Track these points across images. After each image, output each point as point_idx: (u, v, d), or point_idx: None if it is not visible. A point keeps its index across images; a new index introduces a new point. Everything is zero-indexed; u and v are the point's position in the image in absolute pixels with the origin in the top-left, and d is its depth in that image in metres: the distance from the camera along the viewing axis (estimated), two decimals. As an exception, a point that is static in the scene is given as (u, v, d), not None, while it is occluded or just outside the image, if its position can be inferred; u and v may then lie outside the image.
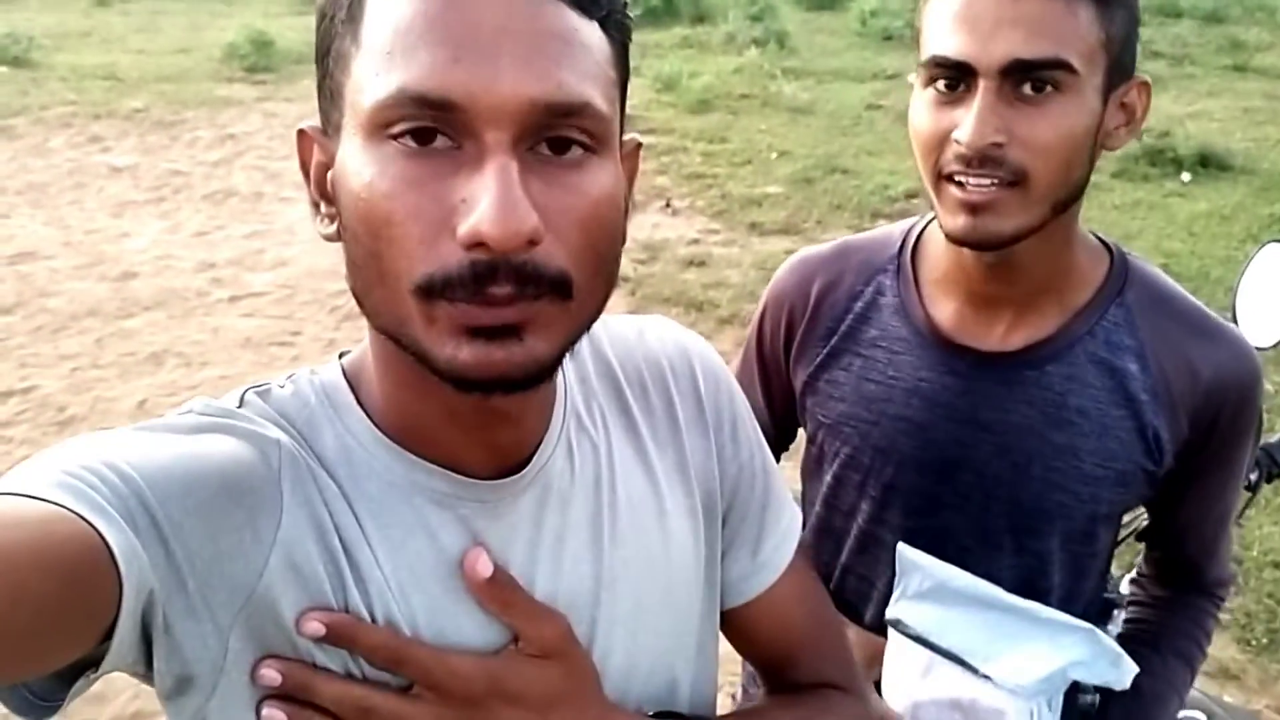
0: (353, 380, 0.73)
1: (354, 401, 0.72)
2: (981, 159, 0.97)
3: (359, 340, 0.75)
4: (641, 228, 5.72)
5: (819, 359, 1.20)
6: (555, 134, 0.60)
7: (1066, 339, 1.10)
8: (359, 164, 0.61)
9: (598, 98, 0.61)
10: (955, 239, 1.03)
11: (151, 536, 0.59)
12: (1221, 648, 2.84)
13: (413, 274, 0.59)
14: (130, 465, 0.60)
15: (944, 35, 0.98)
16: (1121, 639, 1.22)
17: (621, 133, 0.69)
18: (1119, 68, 1.00)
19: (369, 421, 0.71)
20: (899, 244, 1.19)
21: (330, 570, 0.67)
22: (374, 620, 0.68)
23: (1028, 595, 1.13)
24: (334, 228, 0.66)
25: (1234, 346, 1.09)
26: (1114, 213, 5.99)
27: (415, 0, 0.59)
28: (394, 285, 0.61)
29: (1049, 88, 0.96)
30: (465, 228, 0.58)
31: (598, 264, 0.64)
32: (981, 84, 0.96)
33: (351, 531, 0.68)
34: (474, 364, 0.60)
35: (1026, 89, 0.96)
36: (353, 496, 0.69)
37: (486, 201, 0.57)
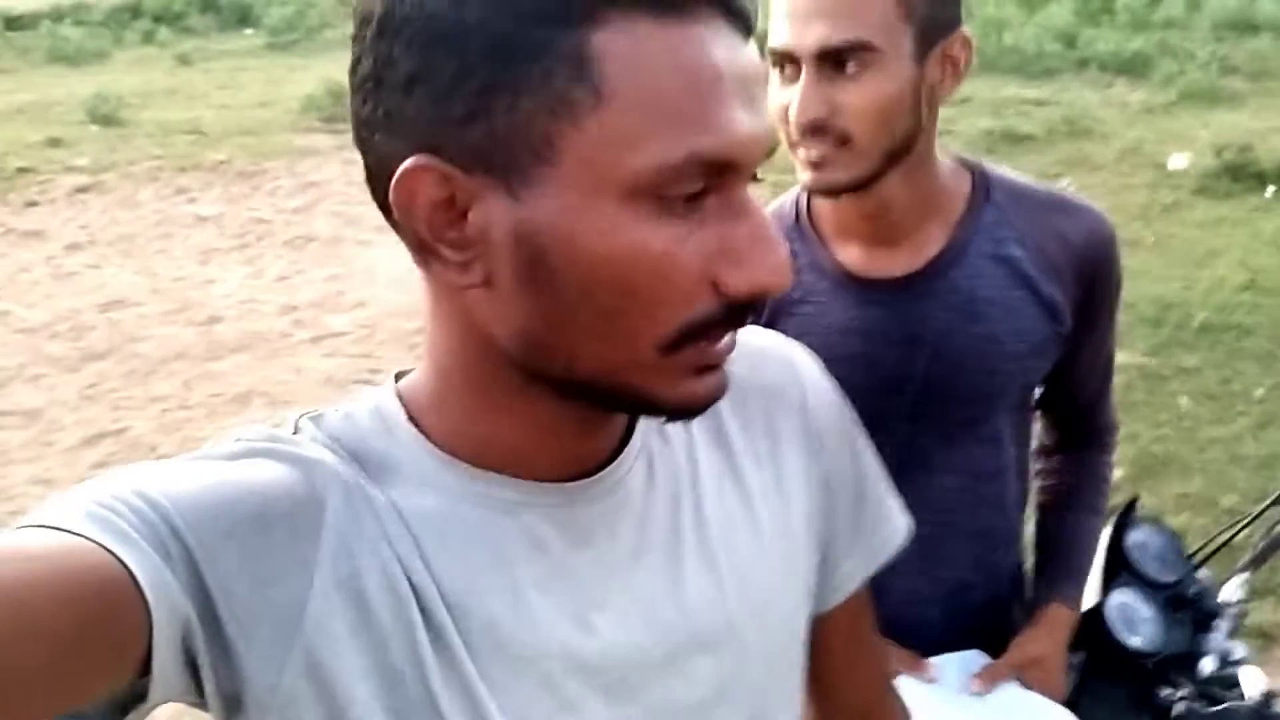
0: (408, 401, 0.70)
1: (407, 420, 0.69)
2: (810, 129, 1.14)
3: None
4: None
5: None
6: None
7: (958, 246, 1.25)
8: (611, 224, 0.57)
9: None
10: (808, 190, 1.23)
11: (183, 563, 0.58)
12: (1261, 613, 2.79)
13: (668, 327, 0.59)
14: (161, 493, 0.59)
15: (775, 29, 1.15)
16: (1039, 507, 1.46)
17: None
18: (931, 29, 1.15)
19: (423, 438, 0.69)
20: (793, 213, 1.34)
21: (384, 587, 0.64)
22: (429, 631, 0.65)
23: (993, 475, 1.34)
24: (475, 276, 0.61)
25: (1092, 214, 1.28)
26: (1196, 230, 5.87)
27: (679, 54, 0.56)
28: (632, 341, 0.60)
29: (857, 65, 1.11)
30: (747, 282, 0.60)
31: None
32: (803, 68, 1.13)
33: (405, 546, 0.65)
34: (706, 396, 0.64)
35: (840, 68, 1.12)
36: (406, 511, 0.66)
37: (763, 252, 0.60)
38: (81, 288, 5.89)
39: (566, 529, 0.69)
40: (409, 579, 0.65)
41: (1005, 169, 1.31)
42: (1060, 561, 1.41)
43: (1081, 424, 1.46)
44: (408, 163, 0.58)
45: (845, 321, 1.28)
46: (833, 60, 1.12)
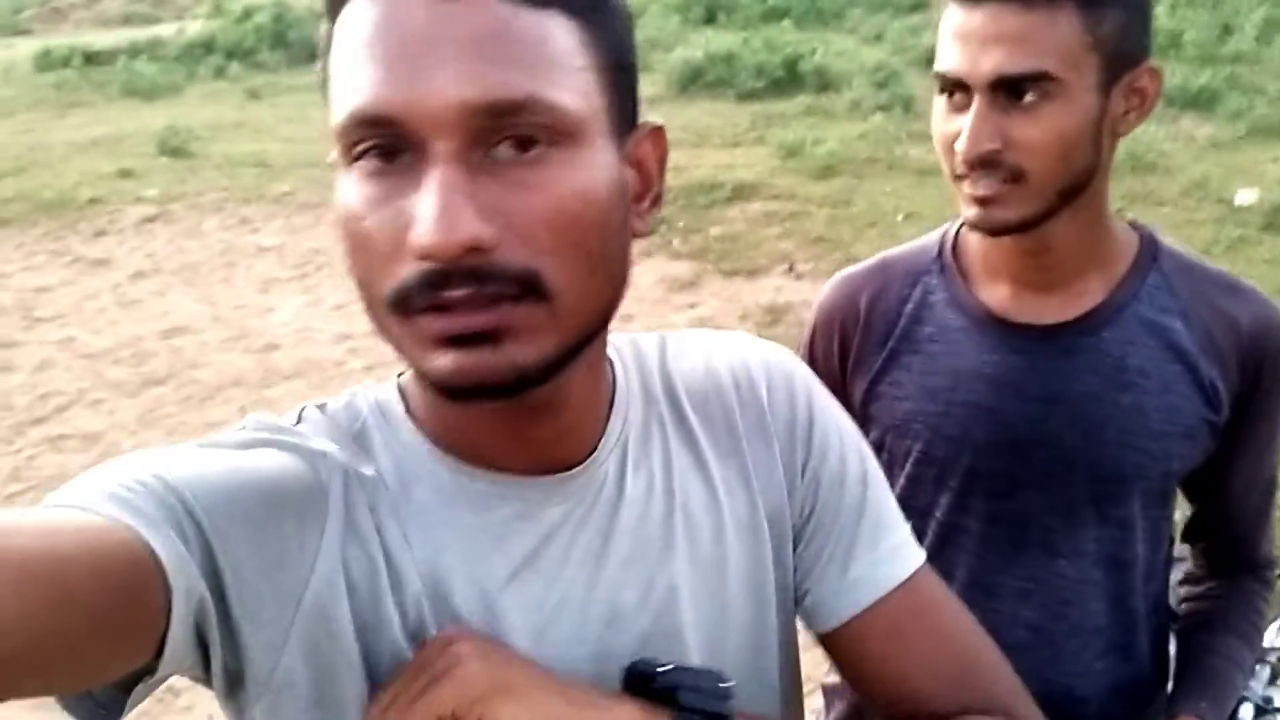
0: (405, 394, 0.75)
1: (404, 413, 0.73)
2: (980, 163, 1.06)
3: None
4: (764, 291, 5.72)
5: (878, 365, 1.24)
6: (512, 133, 0.59)
7: (1115, 305, 1.16)
8: (340, 189, 0.63)
9: (550, 89, 0.59)
10: (972, 227, 1.12)
11: (198, 544, 0.60)
12: None
13: (384, 291, 0.61)
14: (178, 477, 0.61)
15: (945, 52, 1.07)
16: (1181, 631, 1.29)
17: (632, 118, 0.67)
18: (1119, 60, 1.06)
19: (417, 431, 0.72)
20: (937, 246, 1.26)
21: (370, 578, 0.67)
22: (405, 627, 0.67)
23: (1113, 569, 1.19)
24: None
25: (1261, 300, 1.18)
26: (1264, 266, 5.73)
27: (357, 26, 0.60)
28: (376, 305, 0.62)
29: (1036, 96, 1.03)
30: (409, 242, 0.58)
31: (578, 260, 0.62)
32: (975, 97, 1.05)
33: (394, 537, 0.69)
34: (453, 372, 0.60)
35: (1016, 98, 1.04)
36: (399, 503, 0.70)
37: (424, 213, 0.57)
38: (145, 315, 6.02)
39: (539, 524, 0.72)
40: (392, 569, 0.68)
41: (1173, 242, 1.22)
42: (1199, 678, 1.23)
43: (1235, 553, 1.31)
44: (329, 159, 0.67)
45: (977, 365, 1.19)
46: (1008, 89, 1.04)
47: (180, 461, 0.64)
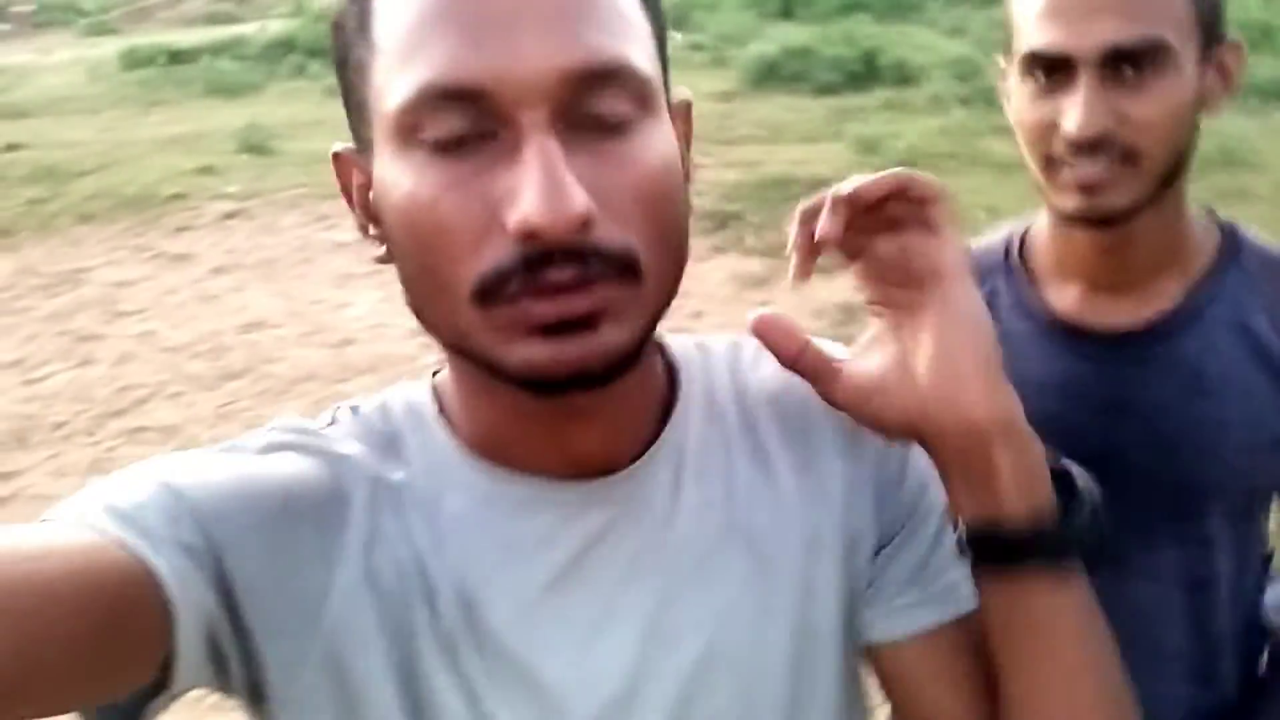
0: (440, 396, 0.72)
1: (437, 415, 0.70)
2: (1092, 145, 0.98)
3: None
4: (838, 290, 5.62)
5: None
6: (597, 104, 0.56)
7: (1194, 307, 1.08)
8: (396, 175, 0.58)
9: (636, 54, 0.57)
10: (1073, 219, 1.04)
11: (207, 558, 0.58)
12: None
13: (468, 279, 0.57)
14: (185, 486, 0.59)
15: (1039, 29, 1.00)
16: (1274, 651, 1.18)
17: (668, 90, 0.64)
18: (1211, 34, 1.02)
19: (451, 435, 0.70)
20: (1003, 248, 1.19)
21: (400, 584, 0.64)
22: (436, 636, 0.64)
23: (1194, 589, 1.11)
24: (384, 249, 0.64)
25: None
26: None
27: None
28: (451, 296, 0.57)
29: (1148, 68, 0.97)
30: (514, 220, 0.54)
31: (663, 237, 0.59)
32: (1082, 74, 0.98)
33: (425, 543, 0.66)
34: (549, 362, 0.57)
35: (1127, 72, 0.97)
36: (431, 509, 0.67)
37: (531, 188, 0.53)
38: (224, 309, 6.10)
39: (580, 530, 0.68)
40: (424, 577, 0.65)
41: (1262, 237, 1.15)
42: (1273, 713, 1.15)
43: None
44: (332, 152, 0.67)
45: (1044, 374, 1.11)
46: (1115, 65, 0.98)
47: (192, 469, 0.61)
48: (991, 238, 1.23)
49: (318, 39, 14.64)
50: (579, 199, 0.53)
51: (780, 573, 0.72)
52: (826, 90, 9.82)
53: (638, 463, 0.70)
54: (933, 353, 0.64)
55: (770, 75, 10.24)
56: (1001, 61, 1.11)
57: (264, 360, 5.37)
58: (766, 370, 0.77)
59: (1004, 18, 1.07)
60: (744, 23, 12.37)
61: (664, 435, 0.72)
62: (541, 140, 0.54)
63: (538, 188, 0.53)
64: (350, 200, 0.67)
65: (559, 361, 0.57)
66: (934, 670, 0.76)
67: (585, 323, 0.57)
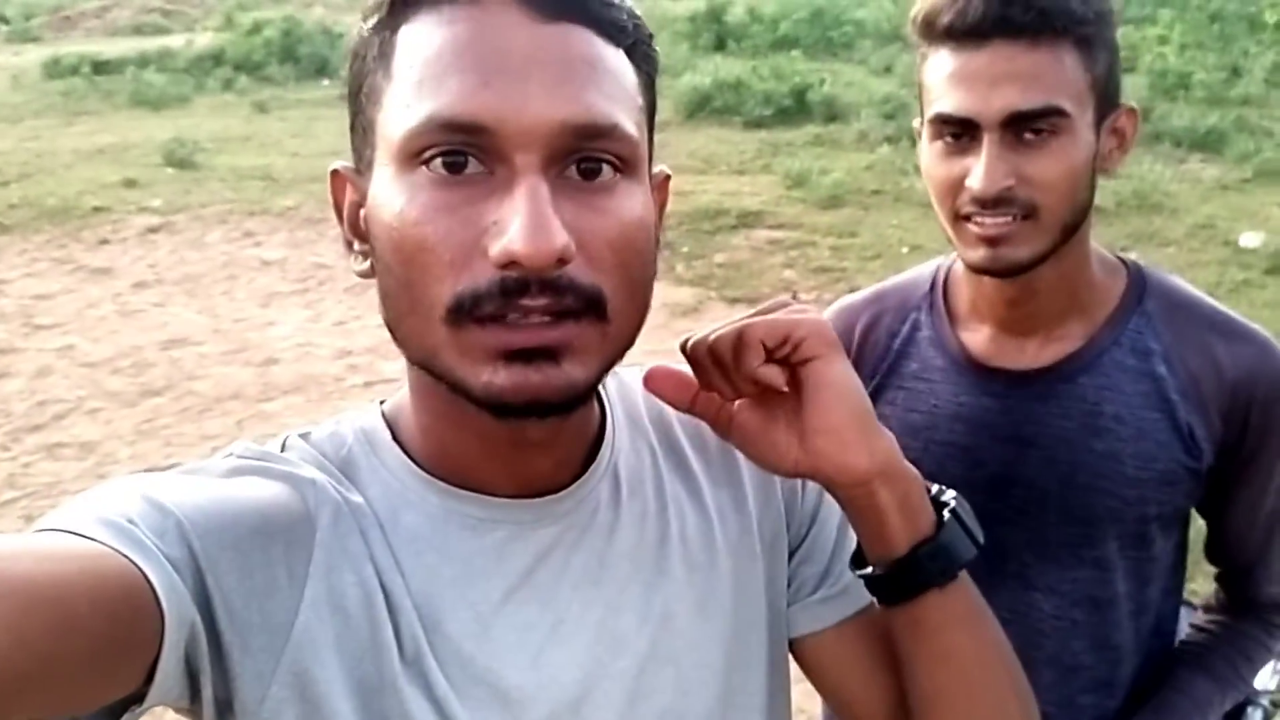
0: (391, 421, 0.75)
1: (390, 439, 0.73)
2: (994, 201, 1.06)
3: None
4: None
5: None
6: (585, 156, 0.61)
7: (1094, 350, 1.16)
8: (391, 194, 0.62)
9: (626, 121, 0.63)
10: (978, 269, 1.11)
11: (190, 572, 0.60)
12: None
13: (444, 297, 0.61)
14: (170, 502, 0.61)
15: (948, 94, 1.07)
16: (1171, 658, 1.28)
17: (651, 164, 0.70)
18: (1106, 100, 1.10)
19: (405, 457, 0.72)
20: (929, 282, 1.27)
21: (363, 603, 0.67)
22: (400, 651, 0.67)
23: (1093, 608, 1.19)
24: (367, 264, 0.67)
25: (1257, 343, 1.14)
26: (1266, 310, 5.71)
27: (444, 31, 0.61)
28: (426, 312, 0.62)
29: (1046, 132, 1.05)
30: (497, 248, 0.58)
31: (631, 286, 0.64)
32: (985, 136, 1.05)
33: (386, 563, 0.68)
34: (511, 388, 0.61)
35: (1027, 135, 1.05)
36: (389, 529, 0.70)
37: (517, 221, 0.58)
38: (146, 325, 6.00)
39: (532, 545, 0.72)
40: (386, 595, 0.67)
41: (1174, 276, 1.21)
42: (1154, 709, 1.23)
43: (1242, 589, 1.29)
44: (330, 169, 0.70)
45: (954, 407, 1.20)
46: (1016, 128, 1.05)
47: (171, 487, 0.63)
48: (920, 269, 1.31)
49: (248, 53, 14.51)
50: (560, 235, 0.58)
51: (712, 576, 0.78)
52: (758, 124, 9.98)
53: (580, 481, 0.74)
54: (815, 419, 0.70)
55: (703, 107, 10.38)
56: (916, 122, 1.18)
57: (186, 378, 5.29)
58: None
59: (918, 85, 1.14)
60: (678, 55, 12.51)
61: (601, 455, 0.76)
62: (533, 181, 0.59)
63: (524, 221, 0.58)
64: (340, 216, 0.71)
65: (520, 388, 0.61)
66: (851, 658, 0.83)
67: (550, 354, 0.61)
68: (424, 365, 0.65)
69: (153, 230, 7.70)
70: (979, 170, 1.05)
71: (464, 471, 0.71)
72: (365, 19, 0.66)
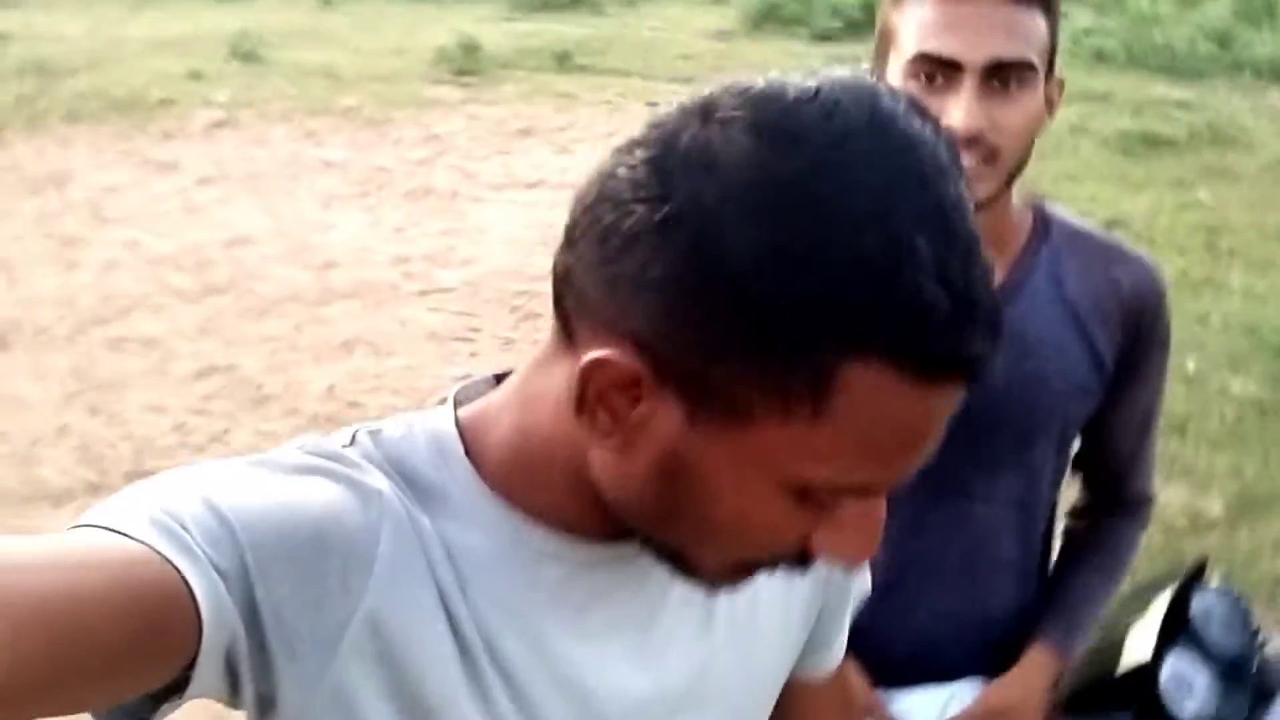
0: (466, 432, 0.72)
1: (463, 453, 0.71)
2: (967, 140, 1.13)
3: (537, 340, 0.75)
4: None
5: None
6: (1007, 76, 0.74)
7: (1015, 281, 1.29)
8: (758, 494, 0.63)
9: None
10: None
11: (239, 580, 0.59)
12: None
13: (743, 556, 0.68)
14: (227, 506, 0.61)
15: (934, 35, 1.16)
16: (1056, 561, 1.47)
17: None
18: (1050, 64, 1.21)
19: (475, 474, 0.71)
20: None
21: (424, 620, 0.67)
22: (464, 666, 0.68)
23: (1022, 509, 1.38)
24: (614, 444, 0.64)
25: (1143, 264, 1.34)
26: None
27: (909, 417, 0.63)
28: (717, 552, 0.68)
29: (1015, 83, 1.16)
30: (830, 552, 0.66)
31: None
32: (967, 80, 1.15)
33: (448, 583, 0.68)
34: (736, 584, 0.71)
35: (997, 84, 1.15)
36: (454, 547, 0.69)
37: (861, 538, 0.65)
38: (209, 222, 6.09)
39: (590, 585, 0.73)
40: (449, 616, 0.68)
41: (1064, 210, 1.37)
42: (1054, 607, 1.42)
43: (1114, 488, 1.47)
44: (614, 352, 0.60)
45: None
46: (996, 75, 1.15)
47: (231, 486, 0.63)
48: None
49: (315, -56, 14.32)
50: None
51: (751, 632, 0.81)
52: (825, 37, 9.75)
53: None
54: None
55: (769, 17, 10.13)
56: (866, 63, 1.28)
57: (248, 276, 5.39)
58: None
59: (882, 28, 1.23)
60: (748, -41, 12.21)
61: None
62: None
63: (864, 539, 0.66)
64: (587, 379, 0.62)
65: (743, 583, 0.72)
66: (831, 703, 0.94)
67: None
68: (651, 537, 0.70)
69: (217, 125, 7.75)
70: (959, 109, 1.14)
71: (542, 504, 0.70)
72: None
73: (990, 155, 1.16)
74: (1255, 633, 1.49)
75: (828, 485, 0.61)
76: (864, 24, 9.91)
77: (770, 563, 0.67)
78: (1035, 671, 1.39)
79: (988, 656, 1.42)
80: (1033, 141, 1.21)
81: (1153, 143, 7.20)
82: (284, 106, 8.23)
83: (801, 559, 0.66)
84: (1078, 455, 1.44)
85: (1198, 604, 1.46)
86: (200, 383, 4.37)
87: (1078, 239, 1.33)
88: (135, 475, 0.73)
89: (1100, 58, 9.57)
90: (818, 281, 0.55)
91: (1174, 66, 8.91)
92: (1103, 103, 8.20)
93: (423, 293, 5.20)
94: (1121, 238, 1.37)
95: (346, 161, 7.18)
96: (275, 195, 6.56)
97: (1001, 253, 1.28)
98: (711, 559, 0.67)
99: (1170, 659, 1.40)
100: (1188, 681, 1.40)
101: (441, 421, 0.73)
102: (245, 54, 9.41)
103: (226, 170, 6.94)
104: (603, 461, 0.66)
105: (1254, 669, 1.43)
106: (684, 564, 0.68)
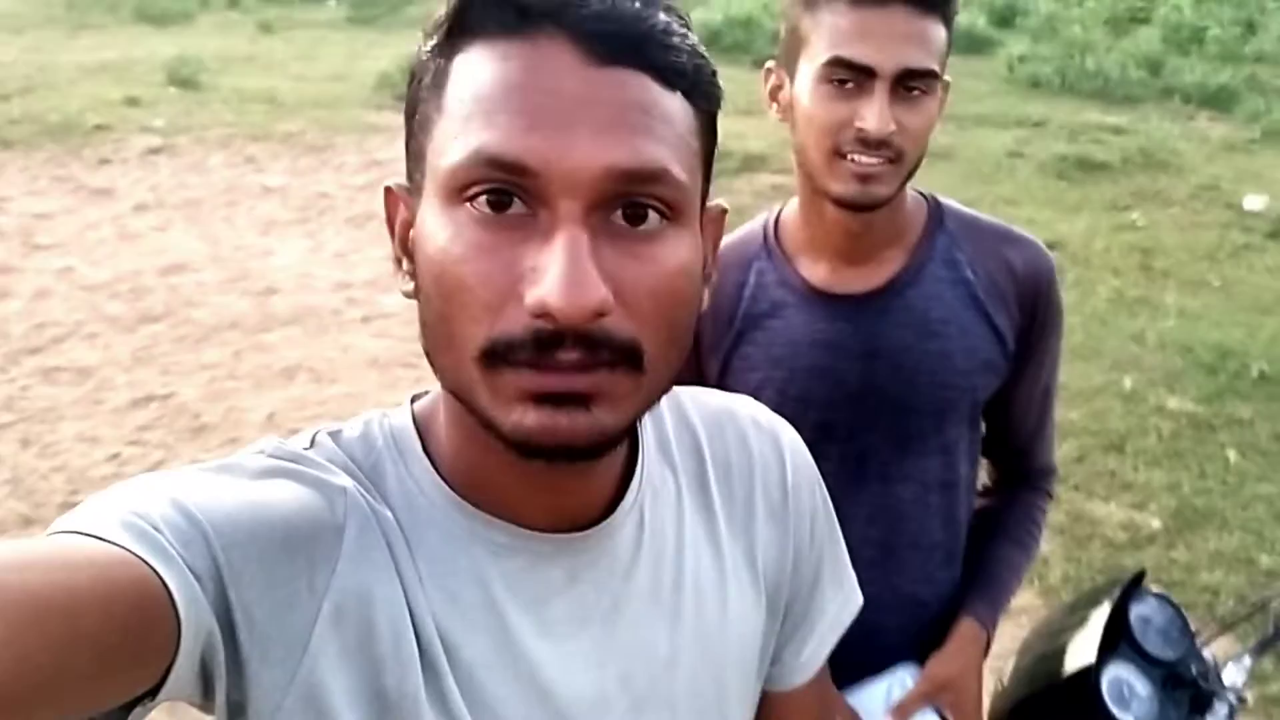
0: (422, 427, 0.73)
1: (420, 449, 0.72)
2: (878, 142, 1.21)
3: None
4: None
5: (728, 344, 1.40)
6: (631, 202, 0.60)
7: (915, 267, 1.36)
8: (435, 226, 0.62)
9: (675, 166, 0.62)
10: (847, 203, 1.26)
11: (212, 581, 0.59)
12: None
13: (478, 339, 0.60)
14: (196, 508, 0.60)
15: (850, 41, 1.21)
16: (970, 538, 1.49)
17: (705, 201, 0.69)
18: (943, 70, 1.27)
19: (433, 470, 0.71)
20: (761, 233, 1.43)
21: (387, 617, 0.67)
22: (423, 667, 0.67)
23: (942, 489, 1.41)
24: (411, 286, 0.67)
25: (1033, 246, 1.39)
26: (1266, 275, 5.74)
27: (497, 68, 0.61)
28: (460, 350, 0.61)
29: (919, 91, 1.22)
30: (532, 297, 0.58)
31: (670, 335, 0.64)
32: (878, 85, 1.20)
33: (410, 578, 0.68)
34: (539, 430, 0.60)
35: (903, 90, 1.21)
36: (413, 544, 0.69)
37: (554, 272, 0.57)
38: (145, 249, 6.01)
39: (548, 578, 0.72)
40: (411, 611, 0.67)
41: (955, 202, 1.43)
42: (977, 582, 1.46)
43: (1020, 464, 1.53)
44: (384, 186, 0.71)
45: (811, 334, 1.36)
46: (904, 82, 1.21)
47: (199, 489, 0.63)
48: (749, 226, 1.45)
49: (255, -30, 14.27)
50: (597, 290, 0.57)
51: (720, 623, 0.80)
52: (766, 62, 9.87)
53: (609, 521, 0.74)
54: None
55: (712, 44, 10.22)
56: (773, 67, 1.33)
57: (185, 304, 5.31)
58: (714, 425, 0.85)
59: (792, 31, 1.27)
60: (690, -12, 12.35)
61: (629, 493, 0.76)
62: (573, 229, 0.58)
63: (561, 273, 0.57)
64: (392, 232, 0.70)
65: (549, 431, 0.60)
66: (810, 708, 0.92)
67: (581, 400, 0.60)
68: (458, 398, 0.65)
69: (154, 151, 7.67)
70: (873, 113, 1.20)
71: (491, 495, 0.71)
72: (425, 39, 0.66)
73: (897, 156, 1.23)
74: (1193, 639, 1.51)
75: (455, 171, 0.60)
76: (804, 51, 10.05)
77: (503, 344, 0.60)
78: (968, 644, 1.42)
79: (920, 640, 1.44)
80: (928, 141, 1.28)
81: (1087, 167, 7.36)
82: (223, 132, 8.16)
83: (532, 331, 0.59)
84: (984, 436, 1.48)
85: (1136, 613, 1.48)
86: (136, 412, 4.28)
87: (970, 225, 1.39)
88: (69, 508, 0.71)
89: (1035, 85, 9.79)
90: None
91: (1106, 93, 9.14)
92: (1038, 129, 8.37)
93: (365, 319, 5.15)
94: (1008, 223, 1.43)
95: (287, 187, 7.12)
96: (213, 222, 6.49)
97: (900, 242, 1.37)
98: (464, 366, 0.62)
99: (1111, 667, 1.41)
100: (1129, 688, 1.41)
101: (399, 419, 0.74)
102: (183, 80, 9.34)
103: (163, 197, 6.86)
104: (420, 323, 0.66)
105: (1193, 674, 1.45)
106: (477, 412, 0.63)
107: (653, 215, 0.61)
